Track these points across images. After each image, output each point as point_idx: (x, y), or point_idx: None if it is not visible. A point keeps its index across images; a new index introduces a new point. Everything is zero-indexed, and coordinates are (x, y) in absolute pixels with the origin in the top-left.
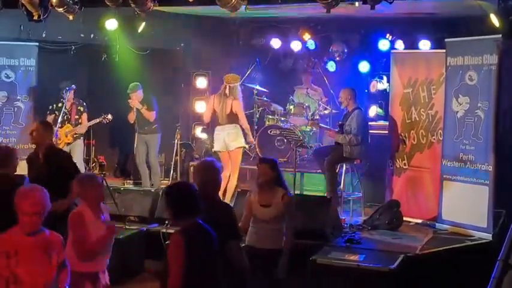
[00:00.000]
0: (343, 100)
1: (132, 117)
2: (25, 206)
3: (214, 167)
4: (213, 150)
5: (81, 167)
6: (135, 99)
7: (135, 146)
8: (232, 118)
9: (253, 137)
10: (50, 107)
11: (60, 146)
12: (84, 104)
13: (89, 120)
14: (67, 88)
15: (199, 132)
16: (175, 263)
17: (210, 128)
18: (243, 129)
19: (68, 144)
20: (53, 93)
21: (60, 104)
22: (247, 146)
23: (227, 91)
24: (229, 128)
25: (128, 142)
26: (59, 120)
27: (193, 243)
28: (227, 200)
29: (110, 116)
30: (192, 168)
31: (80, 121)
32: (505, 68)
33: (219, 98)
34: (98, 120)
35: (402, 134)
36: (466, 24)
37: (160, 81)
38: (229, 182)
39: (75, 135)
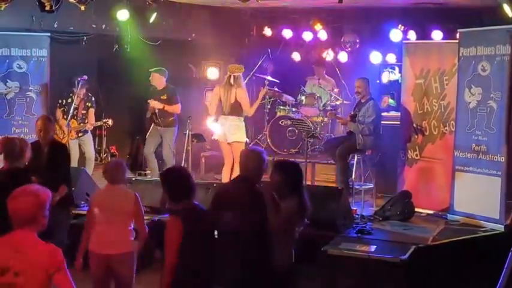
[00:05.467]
0: (361, 90)
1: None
2: None
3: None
4: (213, 137)
5: (93, 159)
6: (152, 78)
7: (147, 135)
8: (237, 108)
9: (264, 127)
10: (60, 101)
11: (64, 140)
12: (93, 99)
13: (95, 115)
14: (78, 79)
15: (210, 123)
16: (172, 244)
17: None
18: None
19: (77, 138)
20: (65, 84)
21: (69, 99)
22: (248, 140)
23: (232, 80)
24: (232, 119)
25: (139, 132)
26: (70, 113)
27: (189, 224)
28: None
29: (110, 122)
30: (203, 159)
31: (86, 116)
32: None
33: (224, 88)
34: (98, 123)
35: (418, 124)
36: (478, 14)
37: (171, 72)
38: (233, 173)
39: (79, 132)
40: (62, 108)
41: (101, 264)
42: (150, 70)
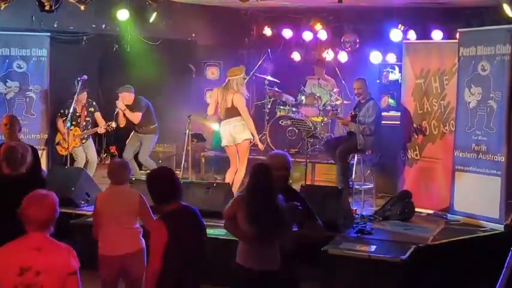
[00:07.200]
0: (361, 91)
1: (121, 121)
2: None
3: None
4: (222, 145)
5: (96, 162)
6: (121, 99)
7: (127, 141)
8: (233, 112)
9: (264, 127)
10: (61, 110)
11: (68, 150)
12: (94, 103)
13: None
14: (78, 79)
15: (212, 124)
16: (155, 248)
17: (221, 120)
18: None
19: (81, 145)
20: (65, 84)
21: (72, 109)
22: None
23: (229, 84)
24: (234, 120)
25: None
26: (69, 114)
27: (174, 227)
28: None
29: (114, 124)
30: (203, 158)
31: (91, 122)
32: None
33: (222, 91)
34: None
35: (418, 124)
36: (478, 14)
37: (171, 71)
38: (237, 174)
39: (82, 139)
40: (64, 118)
41: (113, 266)
42: (117, 92)
